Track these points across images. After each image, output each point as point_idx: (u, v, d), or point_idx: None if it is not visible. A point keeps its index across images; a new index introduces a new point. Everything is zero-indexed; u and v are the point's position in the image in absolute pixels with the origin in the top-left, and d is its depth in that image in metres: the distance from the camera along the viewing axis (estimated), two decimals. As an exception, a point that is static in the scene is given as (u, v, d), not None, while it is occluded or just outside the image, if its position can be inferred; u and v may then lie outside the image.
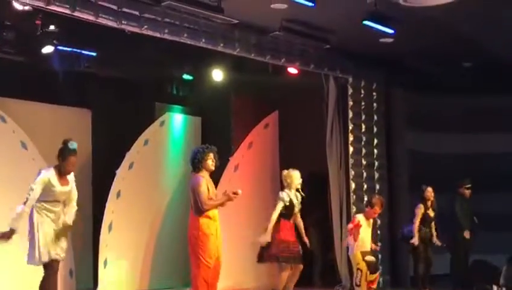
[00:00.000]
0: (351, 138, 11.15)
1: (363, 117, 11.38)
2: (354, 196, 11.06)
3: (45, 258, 7.02)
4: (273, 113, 11.64)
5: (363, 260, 8.97)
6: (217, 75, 11.14)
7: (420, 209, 10.29)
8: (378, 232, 11.00)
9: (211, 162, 7.70)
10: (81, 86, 10.63)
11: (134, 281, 10.53)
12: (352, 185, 11.09)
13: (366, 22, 8.82)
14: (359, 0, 8.32)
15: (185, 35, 8.74)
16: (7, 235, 6.90)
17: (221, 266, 7.69)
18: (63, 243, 7.22)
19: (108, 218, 9.82)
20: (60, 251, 7.16)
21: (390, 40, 9.86)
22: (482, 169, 11.76)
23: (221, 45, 9.24)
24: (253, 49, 9.66)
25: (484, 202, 11.17)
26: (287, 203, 8.79)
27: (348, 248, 9.32)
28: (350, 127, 11.15)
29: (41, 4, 7.41)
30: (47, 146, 9.05)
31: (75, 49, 9.70)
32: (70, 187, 7.23)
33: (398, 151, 11.90)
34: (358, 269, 9.03)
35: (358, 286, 9.04)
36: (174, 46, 9.05)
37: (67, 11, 7.59)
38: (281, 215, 8.78)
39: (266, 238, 8.63)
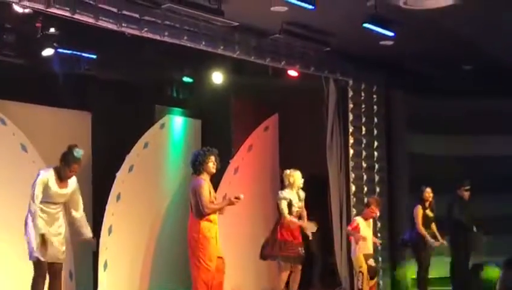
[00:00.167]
0: (351, 141, 11.15)
1: (364, 119, 11.38)
2: (354, 199, 11.05)
3: (37, 254, 6.99)
4: (273, 115, 11.61)
5: (366, 263, 8.96)
6: (217, 77, 11.11)
7: (419, 211, 10.27)
8: (379, 235, 10.99)
9: (212, 164, 7.70)
10: (81, 88, 10.59)
11: (134, 283, 10.50)
12: (353, 188, 11.09)
13: (366, 25, 8.81)
14: (359, 2, 8.33)
15: (185, 37, 8.73)
16: None
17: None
18: (62, 247, 7.22)
19: (108, 221, 9.79)
20: (60, 254, 7.16)
21: (390, 42, 9.85)
22: (482, 172, 11.75)
23: (221, 47, 9.23)
24: (253, 52, 9.66)
25: (484, 204, 11.17)
26: (288, 201, 8.82)
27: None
28: (350, 130, 11.15)
29: (41, 7, 7.40)
30: (47, 149, 9.06)
31: (75, 52, 9.68)
32: (69, 190, 7.22)
33: (398, 153, 11.90)
34: (360, 271, 9.02)
35: (361, 289, 9.03)
36: (174, 48, 9.05)
37: (68, 14, 7.58)
38: (280, 214, 8.81)
39: (312, 225, 9.09)
